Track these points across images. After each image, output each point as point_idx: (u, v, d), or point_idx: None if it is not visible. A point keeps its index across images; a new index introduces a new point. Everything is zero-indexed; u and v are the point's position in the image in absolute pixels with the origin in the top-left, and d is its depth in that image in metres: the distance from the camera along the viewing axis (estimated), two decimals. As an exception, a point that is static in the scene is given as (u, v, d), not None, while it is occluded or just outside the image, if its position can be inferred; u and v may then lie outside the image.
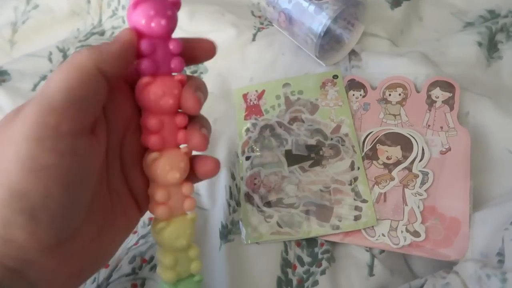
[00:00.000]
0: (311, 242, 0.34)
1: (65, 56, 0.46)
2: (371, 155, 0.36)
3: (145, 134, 0.24)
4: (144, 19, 0.22)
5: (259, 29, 0.46)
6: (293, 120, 0.40)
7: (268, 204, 0.36)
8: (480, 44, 0.41)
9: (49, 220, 0.19)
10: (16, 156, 0.18)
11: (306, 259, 0.34)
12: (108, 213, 0.24)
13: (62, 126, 0.19)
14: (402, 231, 0.32)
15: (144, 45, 0.22)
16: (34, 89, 0.43)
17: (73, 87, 0.19)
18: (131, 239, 0.35)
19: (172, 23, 0.23)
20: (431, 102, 0.37)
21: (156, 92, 0.23)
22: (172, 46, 0.23)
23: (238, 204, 0.36)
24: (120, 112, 0.24)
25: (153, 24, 0.22)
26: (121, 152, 0.25)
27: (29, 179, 0.18)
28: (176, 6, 0.24)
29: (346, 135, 0.38)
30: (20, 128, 0.19)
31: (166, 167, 0.24)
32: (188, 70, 0.45)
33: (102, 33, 0.48)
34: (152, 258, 0.33)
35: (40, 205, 0.19)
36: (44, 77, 0.44)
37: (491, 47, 0.41)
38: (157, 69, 0.23)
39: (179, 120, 0.24)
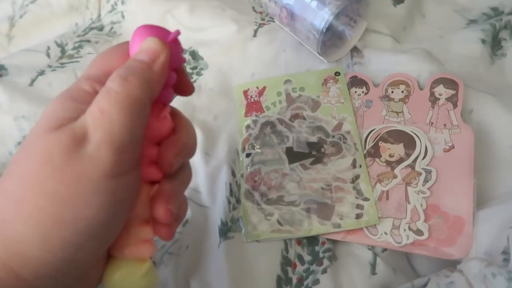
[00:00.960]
0: (312, 240, 0.34)
1: (63, 51, 0.46)
2: (373, 153, 0.36)
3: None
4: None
5: (260, 25, 0.45)
6: (294, 117, 0.39)
7: (269, 201, 0.35)
8: (483, 41, 0.40)
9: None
10: (95, 192, 0.18)
11: (307, 257, 0.33)
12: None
13: (132, 162, 0.20)
14: (405, 230, 0.32)
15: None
16: (31, 84, 0.43)
17: (136, 126, 0.19)
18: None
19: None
20: (434, 100, 0.37)
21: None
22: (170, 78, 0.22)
23: (238, 201, 0.36)
24: None
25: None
26: None
27: (109, 212, 0.19)
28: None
29: (348, 132, 0.38)
30: (92, 167, 0.18)
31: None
32: (188, 66, 0.44)
33: (101, 28, 0.48)
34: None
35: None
36: (41, 72, 0.43)
37: (494, 45, 0.41)
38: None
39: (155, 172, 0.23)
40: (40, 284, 0.19)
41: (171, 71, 0.23)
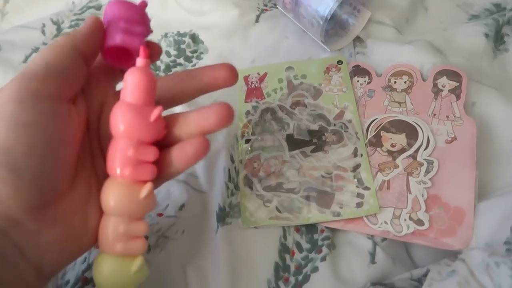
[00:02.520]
0: (310, 228, 0.33)
1: (59, 29, 0.44)
2: (375, 142, 0.35)
3: (134, 165, 0.23)
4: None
5: (262, 11, 0.45)
6: (296, 104, 0.39)
7: (268, 188, 0.35)
8: (487, 35, 0.40)
9: (32, 178, 0.20)
10: (2, 114, 0.20)
11: (305, 245, 0.33)
12: (93, 190, 0.25)
13: (41, 91, 0.21)
14: (405, 219, 0.32)
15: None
16: (25, 61, 0.41)
17: (51, 62, 0.22)
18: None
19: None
20: (437, 91, 0.37)
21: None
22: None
23: (236, 187, 0.35)
24: (97, 94, 0.26)
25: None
26: (99, 135, 0.26)
27: (12, 135, 0.20)
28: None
29: (350, 121, 0.37)
30: (5, 93, 0.21)
31: (154, 196, 0.24)
32: (188, 50, 0.43)
33: (98, 8, 0.47)
34: (146, 238, 0.32)
35: (23, 160, 0.20)
36: (36, 49, 0.42)
37: (497, 39, 0.41)
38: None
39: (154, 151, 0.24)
40: None
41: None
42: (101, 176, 0.25)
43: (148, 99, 0.24)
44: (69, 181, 0.23)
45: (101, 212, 0.25)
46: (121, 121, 0.23)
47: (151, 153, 0.24)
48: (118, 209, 0.23)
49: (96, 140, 0.26)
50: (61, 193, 0.23)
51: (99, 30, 0.24)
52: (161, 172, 0.25)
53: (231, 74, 0.26)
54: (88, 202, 0.24)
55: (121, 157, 0.23)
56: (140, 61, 0.24)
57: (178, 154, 0.25)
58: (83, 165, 0.25)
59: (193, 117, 0.25)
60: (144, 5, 0.25)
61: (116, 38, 0.24)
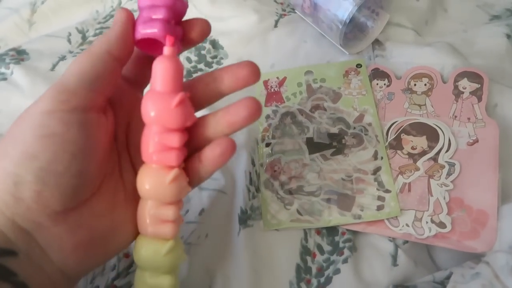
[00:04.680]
0: (331, 230, 0.34)
1: (84, 38, 0.46)
2: (395, 145, 0.36)
3: (160, 150, 0.24)
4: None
5: (281, 16, 0.45)
6: (315, 108, 0.39)
7: (288, 191, 0.35)
8: (508, 36, 0.40)
9: (56, 184, 0.21)
10: (31, 124, 0.21)
11: (326, 247, 0.33)
12: (120, 196, 0.26)
13: (71, 102, 0.22)
14: (427, 222, 0.32)
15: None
16: (52, 69, 0.43)
17: (84, 71, 0.23)
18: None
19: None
20: (458, 93, 0.37)
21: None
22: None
23: (257, 190, 0.36)
24: (124, 103, 0.27)
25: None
26: (128, 145, 0.27)
27: (39, 143, 0.21)
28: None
29: (370, 124, 0.37)
30: (37, 104, 0.22)
31: (184, 183, 0.25)
32: (208, 55, 0.44)
33: (121, 16, 0.48)
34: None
35: (48, 167, 0.21)
36: (62, 58, 0.43)
37: (519, 40, 0.40)
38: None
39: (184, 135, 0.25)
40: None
41: (176, 26, 0.24)
42: (129, 186, 0.26)
43: (174, 86, 0.24)
44: (93, 189, 0.24)
45: (129, 221, 0.25)
46: (147, 109, 0.24)
47: (177, 139, 0.24)
48: (148, 193, 0.24)
49: (124, 149, 0.27)
50: (85, 200, 0.23)
51: (131, 26, 0.24)
52: (192, 174, 0.26)
53: (252, 72, 0.26)
54: (113, 210, 0.25)
55: (148, 143, 0.24)
56: (166, 49, 0.24)
57: (207, 156, 0.25)
58: (110, 173, 0.25)
59: (222, 116, 0.25)
60: None
61: (138, 31, 0.24)
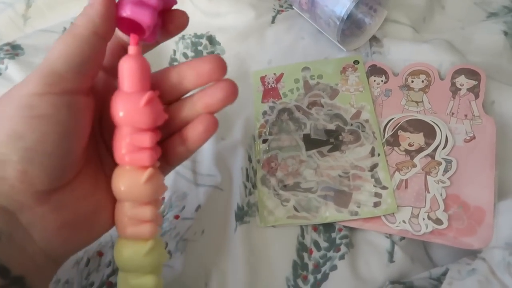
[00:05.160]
0: (328, 227, 0.34)
1: (79, 33, 0.45)
2: (392, 142, 0.36)
3: (132, 151, 0.24)
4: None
5: (278, 12, 0.45)
6: (312, 104, 0.39)
7: (285, 187, 0.35)
8: (506, 33, 0.40)
9: (43, 164, 0.21)
10: (17, 105, 0.21)
11: (323, 244, 0.33)
12: (101, 179, 0.26)
13: (61, 85, 0.22)
14: (424, 218, 0.32)
15: None
16: (47, 64, 0.42)
17: (71, 54, 0.22)
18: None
19: None
20: (455, 90, 0.36)
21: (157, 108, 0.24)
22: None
23: (254, 186, 0.36)
24: (99, 88, 0.26)
25: None
26: (102, 130, 0.27)
27: (25, 125, 0.21)
28: None
29: (367, 121, 0.37)
30: (24, 85, 0.22)
31: (159, 181, 0.25)
32: (205, 51, 0.44)
33: (117, 11, 0.47)
34: (166, 244, 0.33)
35: (35, 147, 0.21)
36: (58, 53, 0.43)
37: (517, 37, 0.40)
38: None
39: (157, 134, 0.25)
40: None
41: (158, 17, 0.24)
42: (108, 170, 0.26)
43: (142, 86, 0.23)
44: (77, 170, 0.24)
45: (112, 203, 0.25)
46: (116, 110, 0.23)
47: (148, 139, 0.24)
48: (124, 194, 0.24)
49: (99, 134, 0.27)
50: (68, 181, 0.23)
51: (113, 2, 0.23)
52: (173, 155, 0.26)
53: (215, 67, 0.25)
54: (95, 192, 0.25)
55: (120, 144, 0.24)
56: (130, 49, 0.23)
57: (190, 134, 0.26)
58: (91, 156, 0.25)
59: (199, 98, 0.25)
60: None
61: (125, 9, 0.23)
